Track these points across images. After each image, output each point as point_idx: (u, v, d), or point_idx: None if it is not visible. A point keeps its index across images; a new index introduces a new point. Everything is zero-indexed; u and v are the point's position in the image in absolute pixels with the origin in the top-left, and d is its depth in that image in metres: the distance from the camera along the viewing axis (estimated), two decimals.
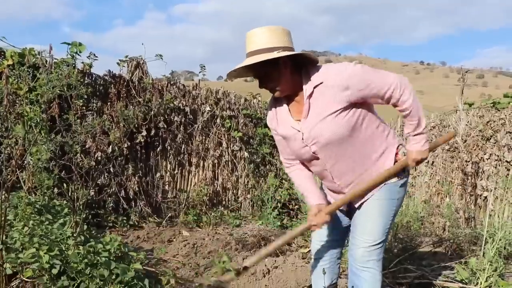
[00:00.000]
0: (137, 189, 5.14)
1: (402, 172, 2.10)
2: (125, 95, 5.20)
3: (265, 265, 3.33)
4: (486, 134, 5.85)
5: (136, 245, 4.17)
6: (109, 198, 4.88)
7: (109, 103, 5.06)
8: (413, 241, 3.97)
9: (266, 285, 3.19)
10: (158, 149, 5.46)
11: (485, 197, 5.63)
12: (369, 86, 1.91)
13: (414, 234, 4.15)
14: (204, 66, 6.00)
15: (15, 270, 2.39)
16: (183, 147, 5.70)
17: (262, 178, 6.33)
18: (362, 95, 1.92)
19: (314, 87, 1.95)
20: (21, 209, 2.93)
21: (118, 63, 5.37)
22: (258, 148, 6.30)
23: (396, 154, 2.10)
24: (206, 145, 5.91)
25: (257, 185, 6.24)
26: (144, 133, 5.26)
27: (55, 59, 4.62)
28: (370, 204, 2.11)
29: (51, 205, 3.50)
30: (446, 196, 5.76)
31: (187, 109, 5.72)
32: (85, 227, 3.23)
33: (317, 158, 2.07)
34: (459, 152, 5.84)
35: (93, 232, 3.57)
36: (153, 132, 5.37)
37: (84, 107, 4.72)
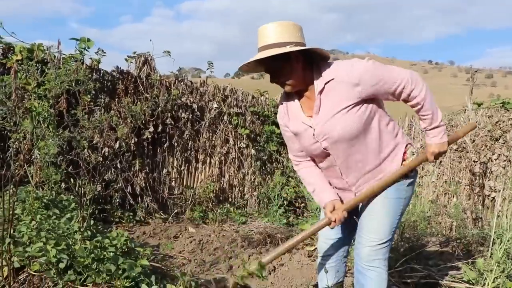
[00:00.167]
0: (143, 185, 5.15)
1: (410, 171, 2.09)
2: (132, 91, 5.21)
3: (271, 263, 3.33)
4: (494, 134, 5.81)
5: (142, 241, 4.18)
6: (116, 194, 4.91)
7: (116, 99, 5.07)
8: (419, 240, 3.96)
9: (272, 283, 3.20)
10: (165, 145, 5.47)
11: (493, 198, 5.59)
12: (381, 82, 1.91)
13: (420, 234, 4.13)
14: (212, 63, 5.98)
15: (22, 264, 2.41)
16: (190, 143, 5.70)
17: (269, 176, 6.34)
18: (373, 91, 1.92)
19: (326, 83, 1.95)
20: (28, 203, 2.95)
21: (126, 59, 5.38)
22: (265, 145, 6.30)
23: (404, 153, 2.09)
24: (213, 142, 5.91)
25: (264, 183, 6.24)
26: (152, 129, 5.27)
27: (64, 54, 4.64)
28: (377, 202, 2.10)
29: (59, 199, 3.51)
30: (453, 196, 5.73)
31: (195, 105, 5.72)
32: (92, 222, 3.25)
33: (328, 154, 2.07)
34: (467, 152, 5.81)
35: (99, 227, 3.59)
36: (160, 128, 5.38)
37: (92, 103, 4.74)
